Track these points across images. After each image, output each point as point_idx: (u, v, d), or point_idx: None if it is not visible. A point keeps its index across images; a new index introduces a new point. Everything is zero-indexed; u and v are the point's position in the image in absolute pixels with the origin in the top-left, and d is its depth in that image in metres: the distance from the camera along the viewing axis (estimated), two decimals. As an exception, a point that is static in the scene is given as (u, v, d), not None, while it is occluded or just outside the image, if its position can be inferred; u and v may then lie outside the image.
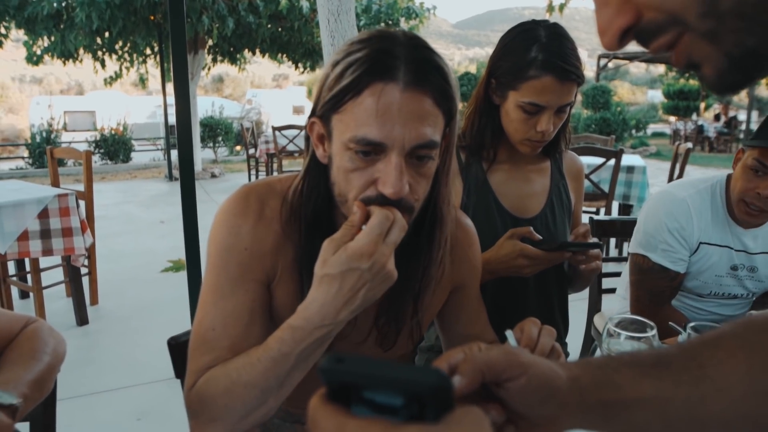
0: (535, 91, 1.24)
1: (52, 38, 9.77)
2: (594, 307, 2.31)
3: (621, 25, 0.41)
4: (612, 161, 4.34)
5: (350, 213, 0.83)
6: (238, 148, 14.44)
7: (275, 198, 0.92)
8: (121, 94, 26.22)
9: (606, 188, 4.42)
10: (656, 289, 1.60)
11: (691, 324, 1.05)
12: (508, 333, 0.86)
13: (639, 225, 1.65)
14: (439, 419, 0.38)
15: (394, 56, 0.78)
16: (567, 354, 1.55)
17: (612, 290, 2.18)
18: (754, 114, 17.03)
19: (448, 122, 0.85)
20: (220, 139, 13.91)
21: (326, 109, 0.83)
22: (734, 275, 1.60)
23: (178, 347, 1.09)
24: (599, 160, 4.38)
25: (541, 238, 1.24)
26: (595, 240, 1.30)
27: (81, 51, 10.24)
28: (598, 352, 0.94)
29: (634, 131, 18.90)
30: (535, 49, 1.23)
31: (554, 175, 1.46)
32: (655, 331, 0.95)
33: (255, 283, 0.89)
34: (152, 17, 9.04)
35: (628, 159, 4.86)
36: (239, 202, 0.91)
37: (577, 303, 2.38)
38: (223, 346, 0.86)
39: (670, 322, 1.39)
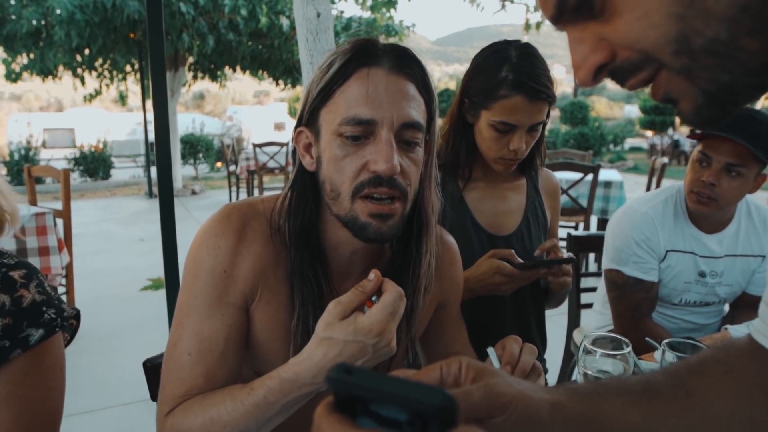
0: (506, 110, 1.26)
1: (31, 55, 9.69)
2: (573, 322, 2.33)
3: (595, 62, 0.43)
4: (590, 176, 4.41)
5: (342, 211, 0.84)
6: (218, 164, 14.36)
7: (258, 218, 0.91)
8: (101, 111, 26.00)
9: (584, 203, 4.49)
10: (635, 303, 1.63)
11: (666, 341, 1.07)
12: (490, 350, 0.87)
13: (607, 242, 1.70)
14: None
15: (377, 47, 0.85)
16: (546, 370, 1.56)
17: (591, 305, 2.21)
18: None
19: (429, 123, 0.89)
20: (200, 155, 13.83)
21: (314, 106, 0.85)
22: (703, 282, 1.64)
23: (153, 369, 1.08)
24: (577, 175, 4.45)
25: (522, 262, 1.26)
26: (569, 255, 1.32)
27: (60, 68, 10.17)
28: (576, 370, 0.96)
29: (611, 146, 19.20)
30: (506, 69, 1.25)
31: (530, 192, 1.48)
32: (630, 348, 0.97)
33: (232, 308, 0.88)
34: (132, 35, 9.02)
35: (606, 174, 4.94)
36: (220, 222, 0.89)
37: (557, 318, 2.41)
38: (198, 374, 0.85)
39: (646, 338, 1.41)
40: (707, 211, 1.56)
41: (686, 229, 1.63)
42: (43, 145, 15.22)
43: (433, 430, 0.39)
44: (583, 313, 2.33)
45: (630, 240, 1.62)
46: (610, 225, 1.72)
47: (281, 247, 0.90)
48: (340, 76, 0.82)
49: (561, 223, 4.62)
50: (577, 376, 1.00)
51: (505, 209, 1.45)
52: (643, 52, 0.41)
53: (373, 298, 0.77)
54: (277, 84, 11.45)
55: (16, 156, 12.10)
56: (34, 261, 3.14)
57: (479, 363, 0.58)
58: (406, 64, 0.84)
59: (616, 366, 0.95)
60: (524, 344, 0.84)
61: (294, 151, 0.92)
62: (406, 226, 0.89)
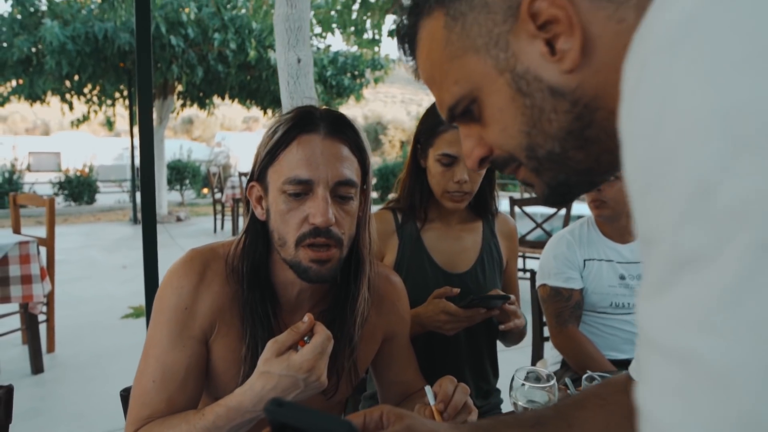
0: (447, 142, 1.41)
1: (20, 81, 9.80)
2: (537, 354, 2.45)
3: (479, 155, 0.58)
4: (563, 211, 4.58)
5: (288, 256, 0.97)
6: (204, 191, 14.44)
7: (217, 261, 1.03)
8: (88, 135, 25.97)
9: (557, 237, 4.63)
10: (557, 311, 1.84)
11: (586, 375, 1.19)
12: (427, 389, 0.97)
13: (538, 267, 1.94)
14: None
15: (315, 116, 0.99)
16: (501, 400, 1.66)
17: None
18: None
19: (364, 177, 1.03)
20: (187, 181, 13.92)
21: (263, 165, 0.99)
22: (625, 285, 1.84)
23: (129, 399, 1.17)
24: (551, 210, 4.61)
25: (458, 290, 1.37)
26: (503, 294, 1.43)
27: (48, 93, 10.28)
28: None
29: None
30: None
31: (486, 234, 1.60)
32: (554, 381, 1.09)
33: (192, 341, 0.99)
34: (122, 64, 9.18)
35: (579, 208, 5.11)
36: (184, 265, 1.02)
37: (523, 349, 2.51)
38: (161, 399, 0.96)
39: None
40: (605, 213, 1.81)
41: (600, 241, 1.88)
42: (28, 168, 15.21)
43: None
44: (547, 345, 2.45)
45: (550, 256, 1.87)
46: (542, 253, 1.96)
47: (236, 285, 1.02)
48: (284, 141, 0.96)
49: (535, 255, 4.78)
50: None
51: (461, 248, 1.56)
52: (508, 152, 0.55)
53: (306, 338, 0.89)
54: (265, 113, 11.64)
55: (0, 179, 12.09)
56: (17, 289, 3.19)
57: (398, 409, 0.74)
58: (341, 129, 0.99)
59: (543, 396, 1.07)
60: (458, 384, 0.95)
61: (248, 203, 1.06)
62: (345, 266, 1.03)
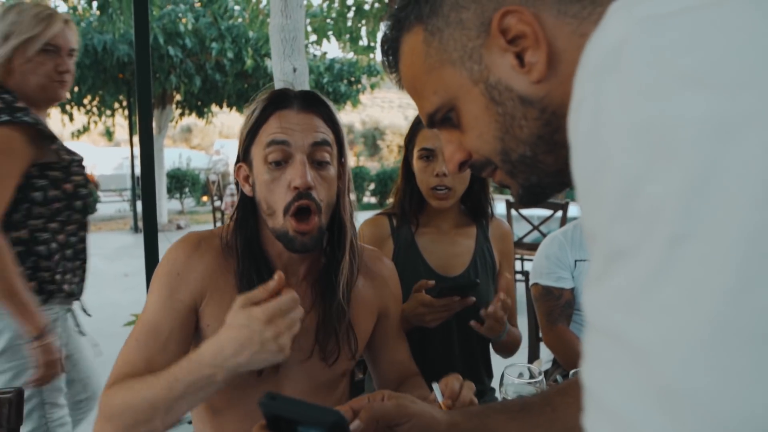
0: (425, 138, 1.50)
1: (20, 93, 9.85)
2: (533, 354, 2.50)
3: (459, 159, 0.63)
4: (560, 213, 4.63)
5: (276, 225, 1.03)
6: (204, 198, 14.49)
7: (213, 238, 1.11)
8: (88, 146, 26.03)
9: (554, 239, 4.68)
10: (548, 310, 1.87)
11: (574, 371, 1.24)
12: (435, 386, 1.00)
13: (531, 267, 1.97)
14: None
15: (289, 94, 1.07)
16: (496, 399, 1.71)
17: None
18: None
19: (341, 149, 1.11)
20: (186, 190, 13.97)
21: (246, 145, 1.07)
22: None
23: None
24: (548, 212, 4.67)
25: (433, 282, 1.40)
26: (472, 280, 1.46)
27: (48, 105, 10.33)
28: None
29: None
30: None
31: (479, 238, 1.65)
32: (542, 377, 1.13)
33: (181, 305, 1.03)
34: (121, 75, 9.26)
35: (576, 209, 5.15)
36: (181, 241, 1.10)
37: (522, 351, 2.56)
38: (142, 358, 0.99)
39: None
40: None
41: None
42: (29, 179, 15.18)
43: None
44: (543, 345, 2.50)
45: (542, 257, 1.90)
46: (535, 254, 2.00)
47: (231, 259, 1.08)
48: (262, 118, 1.05)
49: (531, 257, 4.80)
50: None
51: (454, 252, 1.61)
52: (485, 156, 0.60)
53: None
54: (263, 121, 11.68)
55: (2, 191, 12.12)
56: (21, 298, 3.23)
57: (397, 393, 0.79)
58: (314, 104, 1.07)
59: (531, 392, 1.12)
60: (464, 381, 0.98)
61: (237, 184, 1.14)
62: (331, 235, 1.12)
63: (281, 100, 1.05)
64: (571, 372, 1.24)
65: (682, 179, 0.30)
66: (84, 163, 1.85)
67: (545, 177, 0.58)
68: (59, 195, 1.69)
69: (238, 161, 1.12)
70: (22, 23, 1.65)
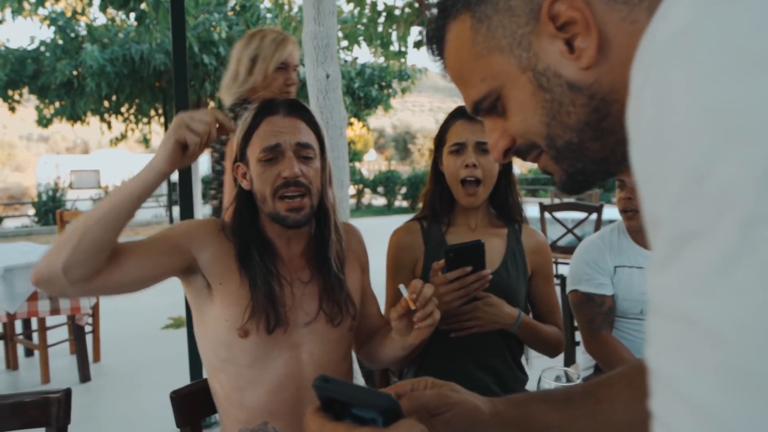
0: (454, 133, 1.53)
1: (62, 103, 10.21)
2: (569, 358, 2.46)
3: (503, 146, 0.63)
4: (594, 215, 4.56)
5: (268, 209, 1.22)
6: (227, 203, 14.72)
7: (216, 223, 1.30)
8: (125, 153, 26.72)
9: (589, 242, 4.61)
10: (589, 317, 1.82)
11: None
12: (401, 287, 1.14)
13: (569, 272, 1.93)
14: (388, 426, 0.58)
15: (276, 102, 1.27)
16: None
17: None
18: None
19: (322, 147, 1.30)
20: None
21: (242, 148, 1.26)
22: None
23: (179, 399, 1.25)
24: (582, 215, 4.60)
25: (442, 262, 1.39)
26: (475, 240, 1.42)
27: (88, 113, 10.68)
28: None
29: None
30: (452, 112, 1.60)
31: (511, 240, 1.62)
32: (580, 381, 1.12)
33: (176, 247, 1.21)
34: (157, 83, 9.49)
35: (612, 212, 5.06)
36: (198, 220, 1.38)
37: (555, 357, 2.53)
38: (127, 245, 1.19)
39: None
40: (636, 224, 1.81)
41: (631, 247, 1.87)
42: (70, 186, 15.75)
43: (385, 422, 0.58)
44: (579, 349, 2.46)
45: (581, 262, 1.86)
46: (572, 258, 1.95)
47: (230, 241, 1.26)
48: (254, 124, 1.25)
49: (566, 260, 4.73)
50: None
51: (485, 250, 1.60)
52: (530, 140, 0.60)
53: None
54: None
55: (44, 197, 12.57)
56: (65, 301, 3.35)
57: (440, 381, 0.79)
58: (296, 110, 1.26)
59: (569, 396, 1.11)
60: (425, 283, 1.16)
61: (235, 179, 1.31)
62: (317, 218, 1.31)
63: (269, 107, 1.25)
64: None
65: (754, 162, 0.30)
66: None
67: (590, 164, 0.58)
68: None
69: (235, 161, 1.29)
70: (264, 47, 2.06)
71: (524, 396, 0.81)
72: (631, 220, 1.82)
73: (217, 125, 1.15)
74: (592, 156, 0.57)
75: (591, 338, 1.84)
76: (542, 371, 1.15)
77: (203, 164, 13.53)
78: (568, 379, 1.14)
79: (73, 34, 9.50)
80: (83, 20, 9.39)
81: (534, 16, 0.54)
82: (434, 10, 0.64)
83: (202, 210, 11.74)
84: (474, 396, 0.77)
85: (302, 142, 1.23)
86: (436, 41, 0.64)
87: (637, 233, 1.86)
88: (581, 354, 2.34)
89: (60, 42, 9.55)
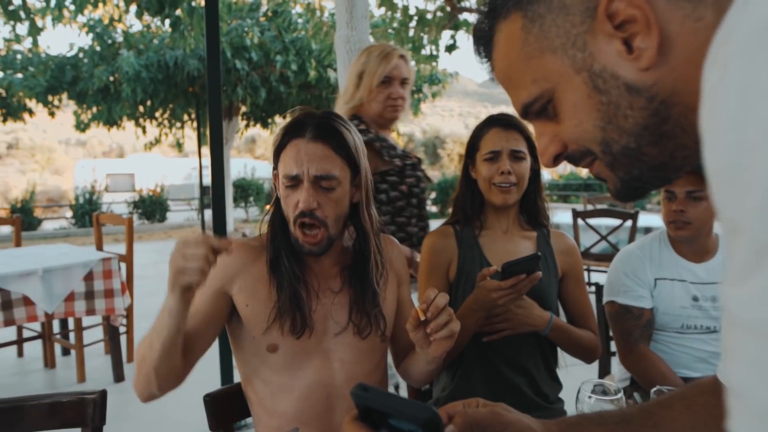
0: (489, 141, 1.54)
1: (99, 108, 10.48)
2: (604, 369, 2.40)
3: (553, 152, 0.60)
4: (629, 222, 4.45)
5: (291, 233, 1.21)
6: (268, 207, 14.89)
7: (242, 236, 1.29)
8: (159, 157, 27.29)
9: (623, 249, 4.51)
10: (627, 330, 1.76)
11: (654, 389, 1.17)
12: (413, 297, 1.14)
13: (606, 282, 1.86)
14: None
15: (305, 123, 1.20)
16: (565, 412, 1.64)
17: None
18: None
19: (354, 172, 1.24)
20: (251, 199, 14.38)
21: (275, 162, 1.25)
22: (698, 306, 1.74)
23: (212, 402, 1.26)
24: (615, 222, 4.50)
25: (494, 268, 1.39)
26: (533, 254, 1.40)
27: (124, 118, 10.94)
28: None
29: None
30: (485, 119, 1.59)
31: (540, 242, 1.62)
32: (621, 395, 1.08)
33: (210, 289, 1.21)
34: (191, 88, 9.66)
35: (647, 219, 4.95)
36: None
37: (593, 365, 2.47)
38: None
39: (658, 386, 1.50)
40: (686, 234, 1.72)
41: (672, 258, 1.78)
42: (106, 189, 16.13)
43: None
44: (614, 360, 2.39)
45: (619, 273, 1.79)
46: (609, 267, 1.88)
47: (262, 251, 1.26)
48: (281, 144, 1.22)
49: (599, 268, 4.65)
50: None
51: (516, 251, 1.58)
52: (584, 146, 0.57)
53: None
54: (325, 131, 11.90)
55: (81, 200, 12.91)
56: (100, 302, 3.42)
57: (491, 402, 0.77)
58: (324, 135, 1.19)
59: (610, 409, 1.07)
60: (439, 292, 1.10)
61: (274, 185, 1.30)
62: (358, 242, 1.29)
63: (297, 128, 1.20)
64: (652, 390, 1.17)
65: None
66: (417, 164, 2.19)
67: (647, 170, 0.55)
68: (398, 195, 2.06)
69: (274, 169, 1.29)
70: (369, 62, 2.05)
71: (578, 418, 0.78)
72: (681, 230, 1.73)
73: (213, 249, 1.07)
74: (650, 162, 0.54)
75: (627, 351, 1.77)
76: (581, 384, 1.12)
77: (234, 168, 13.73)
78: (607, 392, 1.10)
79: (110, 41, 9.76)
80: (120, 27, 9.64)
81: (590, 15, 0.51)
82: (483, 10, 0.61)
83: (233, 213, 11.92)
84: (527, 417, 0.74)
85: (320, 174, 1.18)
86: (483, 42, 0.62)
87: (682, 244, 1.78)
88: (617, 365, 2.28)
89: (98, 48, 9.82)
